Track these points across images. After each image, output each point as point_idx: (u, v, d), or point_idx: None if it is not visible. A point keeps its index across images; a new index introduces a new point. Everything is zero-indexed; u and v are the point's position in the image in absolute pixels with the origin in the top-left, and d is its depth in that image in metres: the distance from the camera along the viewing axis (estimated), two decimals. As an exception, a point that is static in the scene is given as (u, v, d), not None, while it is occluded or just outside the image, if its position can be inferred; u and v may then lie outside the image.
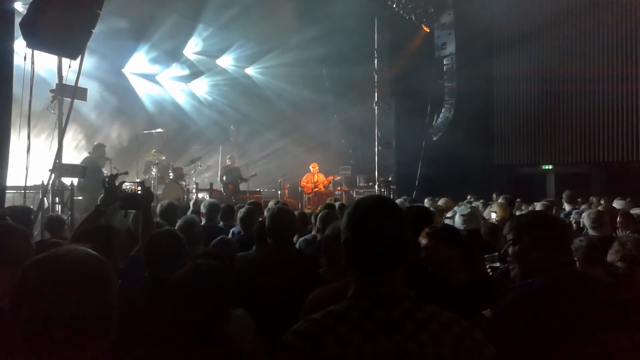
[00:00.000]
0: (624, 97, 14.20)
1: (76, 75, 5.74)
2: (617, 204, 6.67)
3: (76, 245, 1.27)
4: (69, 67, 5.95)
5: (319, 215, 3.90)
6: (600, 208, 4.84)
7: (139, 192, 3.03)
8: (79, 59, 5.48)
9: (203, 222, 4.63)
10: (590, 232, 3.91)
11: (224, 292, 1.86)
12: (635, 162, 14.18)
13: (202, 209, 4.90)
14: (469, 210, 3.93)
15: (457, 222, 3.82)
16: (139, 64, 12.67)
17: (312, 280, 2.51)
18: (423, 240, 2.45)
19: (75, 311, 1.13)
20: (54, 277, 1.14)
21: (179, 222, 3.65)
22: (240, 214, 4.29)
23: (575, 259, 2.81)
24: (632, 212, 4.91)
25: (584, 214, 4.18)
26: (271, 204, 5.27)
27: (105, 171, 9.04)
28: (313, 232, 4.18)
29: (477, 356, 1.22)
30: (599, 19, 14.41)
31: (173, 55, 13.16)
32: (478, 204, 6.36)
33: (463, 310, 2.09)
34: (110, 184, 2.93)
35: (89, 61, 8.34)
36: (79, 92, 6.39)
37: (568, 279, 1.93)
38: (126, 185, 3.09)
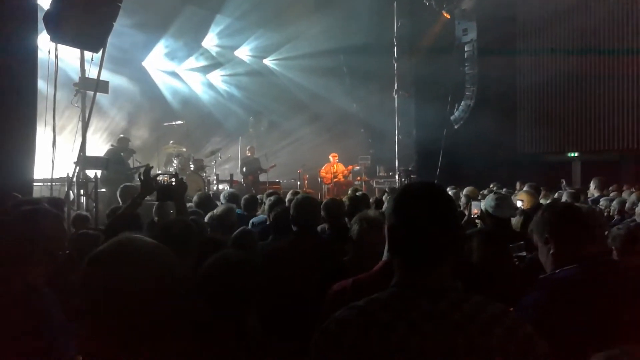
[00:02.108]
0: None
1: (98, 68, 5.79)
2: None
3: (138, 235, 1.27)
4: (91, 60, 6.00)
5: (323, 203, 3.86)
6: (633, 197, 4.70)
7: (173, 183, 3.14)
8: (100, 52, 5.53)
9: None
10: None
11: (253, 282, 1.84)
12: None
13: (222, 199, 4.93)
14: (505, 197, 3.79)
15: (490, 206, 3.60)
16: (158, 56, 12.77)
17: (339, 268, 2.48)
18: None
19: (151, 302, 1.12)
20: (123, 265, 1.13)
21: (217, 210, 3.71)
22: (269, 201, 4.30)
23: (613, 248, 2.74)
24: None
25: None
26: (289, 195, 5.27)
27: (131, 163, 9.19)
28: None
29: (528, 350, 1.16)
30: (623, 3, 13.93)
31: (192, 47, 13.23)
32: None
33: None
34: (145, 177, 3.06)
35: (110, 54, 8.41)
36: (101, 85, 6.45)
37: (602, 267, 1.90)
38: (160, 178, 3.23)
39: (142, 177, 3.08)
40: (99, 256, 1.17)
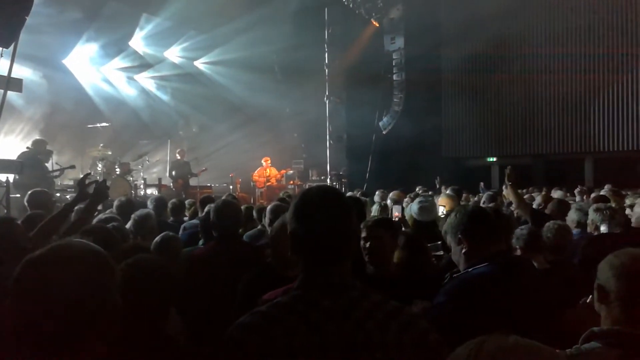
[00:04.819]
0: (562, 90, 14.93)
1: (9, 64, 5.42)
2: (556, 194, 7.01)
3: (76, 239, 1.26)
4: (1, 55, 5.60)
5: (269, 207, 3.85)
6: (539, 198, 5.09)
7: (95, 186, 3.13)
8: (12, 48, 5.18)
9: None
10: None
11: (166, 288, 1.81)
12: (572, 153, 15.00)
13: (149, 204, 4.77)
14: (428, 202, 3.94)
15: (414, 211, 3.76)
16: (82, 54, 12.09)
17: (264, 270, 2.49)
18: (363, 231, 2.52)
19: (79, 305, 1.12)
20: (59, 270, 1.12)
21: (132, 216, 3.60)
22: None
23: (517, 247, 2.98)
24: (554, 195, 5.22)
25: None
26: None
27: (49, 166, 8.65)
28: (259, 227, 4.13)
29: (422, 343, 1.24)
30: (538, 13, 15.05)
31: (118, 46, 12.65)
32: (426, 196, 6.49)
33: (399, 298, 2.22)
34: (82, 185, 3.09)
35: (28, 51, 7.87)
36: (12, 83, 6.03)
37: (511, 265, 2.10)
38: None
39: (78, 185, 3.12)
40: (35, 260, 1.16)
